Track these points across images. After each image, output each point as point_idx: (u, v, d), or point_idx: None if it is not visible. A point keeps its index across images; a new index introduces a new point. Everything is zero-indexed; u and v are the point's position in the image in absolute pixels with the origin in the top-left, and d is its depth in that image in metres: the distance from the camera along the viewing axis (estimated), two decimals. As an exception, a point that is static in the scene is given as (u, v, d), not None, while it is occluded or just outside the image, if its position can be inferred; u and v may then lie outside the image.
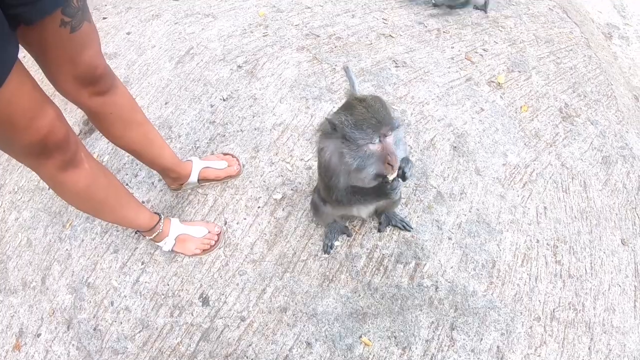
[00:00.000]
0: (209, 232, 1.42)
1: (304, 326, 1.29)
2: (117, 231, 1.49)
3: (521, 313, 1.32)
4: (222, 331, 1.29)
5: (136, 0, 2.39)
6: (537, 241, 1.47)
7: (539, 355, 1.26)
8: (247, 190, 1.57)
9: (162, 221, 1.35)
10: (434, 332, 1.28)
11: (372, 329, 1.29)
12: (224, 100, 1.84)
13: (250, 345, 1.27)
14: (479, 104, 1.85)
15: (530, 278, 1.39)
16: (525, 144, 1.72)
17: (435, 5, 2.28)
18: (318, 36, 2.11)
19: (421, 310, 1.31)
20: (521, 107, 1.85)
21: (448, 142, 1.70)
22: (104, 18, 2.29)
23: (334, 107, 1.78)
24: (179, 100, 1.86)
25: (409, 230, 1.45)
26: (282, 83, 1.89)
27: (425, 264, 1.40)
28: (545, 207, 1.55)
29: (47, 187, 1.58)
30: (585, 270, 1.42)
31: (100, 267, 1.43)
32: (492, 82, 1.94)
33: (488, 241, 1.45)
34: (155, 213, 1.35)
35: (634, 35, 2.63)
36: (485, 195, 1.56)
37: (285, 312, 1.32)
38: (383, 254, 1.42)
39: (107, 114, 1.12)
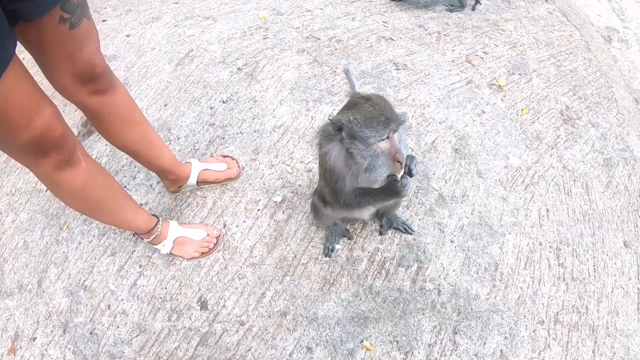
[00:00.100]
0: (207, 235, 1.41)
1: (304, 331, 1.28)
2: (115, 234, 1.48)
3: (524, 316, 1.30)
4: (220, 336, 1.28)
5: (136, 3, 2.39)
6: (540, 244, 1.46)
7: (543, 359, 1.24)
8: (247, 192, 1.56)
9: (160, 223, 1.33)
10: (436, 336, 1.26)
11: (374, 333, 1.27)
12: (223, 102, 1.84)
13: (249, 350, 1.25)
14: (480, 106, 1.85)
15: (533, 281, 1.38)
16: (526, 146, 1.72)
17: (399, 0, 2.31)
18: (318, 39, 2.11)
19: (423, 314, 1.30)
20: (522, 110, 1.85)
21: (449, 144, 1.70)
22: (104, 20, 2.29)
23: (334, 109, 1.77)
24: (178, 102, 1.85)
25: (411, 233, 1.44)
26: (282, 85, 1.88)
27: (428, 267, 1.39)
28: (547, 210, 1.55)
29: (45, 189, 1.58)
30: (589, 272, 1.41)
31: (98, 270, 1.41)
32: (493, 84, 1.94)
33: (490, 244, 1.44)
34: (154, 215, 1.34)
35: (633, 39, 2.64)
36: (487, 197, 1.56)
37: (285, 317, 1.30)
38: (384, 257, 1.40)
39: (106, 113, 1.11)
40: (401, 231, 1.44)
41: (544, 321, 1.30)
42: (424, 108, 1.82)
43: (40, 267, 1.44)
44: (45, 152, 0.89)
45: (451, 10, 2.29)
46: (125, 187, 1.59)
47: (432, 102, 1.84)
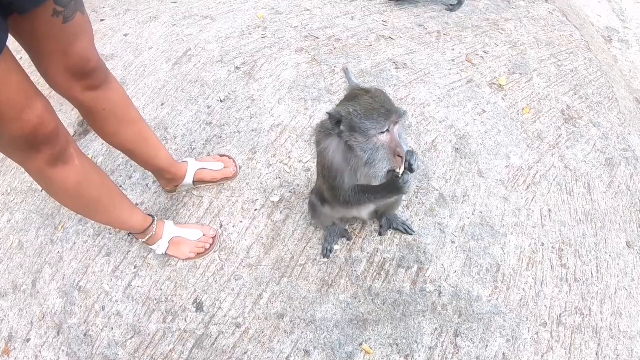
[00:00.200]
0: (204, 235, 1.39)
1: (301, 333, 1.26)
2: (110, 234, 1.46)
3: (527, 318, 1.29)
4: (216, 338, 1.26)
5: (134, 3, 2.39)
6: (542, 244, 1.44)
7: (546, 363, 1.22)
8: (244, 192, 1.54)
9: (155, 223, 1.32)
10: (437, 339, 1.25)
11: (373, 336, 1.25)
12: (221, 101, 1.82)
13: (245, 353, 1.23)
14: (480, 105, 1.83)
15: (535, 282, 1.36)
16: (528, 146, 1.71)
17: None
18: (317, 38, 2.10)
19: (424, 316, 1.28)
20: (523, 109, 1.84)
21: (450, 143, 1.68)
22: (102, 20, 2.29)
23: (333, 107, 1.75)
24: (176, 101, 1.84)
25: (411, 234, 1.42)
26: (280, 84, 1.87)
27: (428, 269, 1.37)
28: (549, 210, 1.53)
29: (41, 189, 1.56)
30: (592, 273, 1.40)
31: (92, 270, 1.40)
32: (494, 84, 1.93)
33: (492, 245, 1.43)
34: (149, 215, 1.33)
35: (633, 39, 2.64)
36: (489, 197, 1.54)
37: (283, 319, 1.28)
38: (384, 258, 1.39)
39: (100, 109, 1.09)
40: (401, 232, 1.42)
41: (546, 323, 1.28)
42: (424, 107, 1.80)
43: (34, 267, 1.43)
44: (36, 146, 0.87)
45: (451, 10, 2.28)
46: (121, 186, 1.58)
47: (432, 101, 1.83)
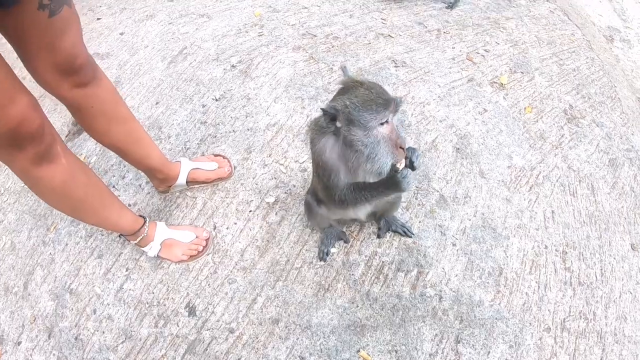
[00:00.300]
0: (196, 237, 1.37)
1: (297, 339, 1.23)
2: (102, 235, 1.44)
3: (530, 324, 1.26)
4: (209, 344, 1.23)
5: (131, 1, 2.38)
6: (546, 247, 1.42)
7: (550, 370, 1.19)
8: (239, 193, 1.52)
9: (147, 224, 1.29)
10: (437, 345, 1.22)
11: (371, 342, 1.22)
12: (216, 100, 1.79)
13: (239, 359, 1.21)
14: (481, 104, 1.81)
15: (539, 286, 1.33)
16: (530, 146, 1.68)
17: None
18: (315, 36, 2.07)
19: (424, 321, 1.25)
20: (525, 108, 1.81)
21: (450, 143, 1.66)
22: (98, 19, 2.28)
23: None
24: (170, 100, 1.81)
25: (411, 236, 1.39)
26: (277, 83, 1.84)
27: (428, 272, 1.34)
28: (552, 211, 1.50)
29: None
30: (596, 277, 1.38)
31: (84, 272, 1.38)
32: (495, 82, 1.90)
33: (494, 247, 1.40)
34: (140, 216, 1.30)
35: (635, 39, 2.62)
36: (491, 199, 1.52)
37: (278, 324, 1.26)
38: (383, 262, 1.36)
39: (89, 107, 1.08)
40: (400, 234, 1.39)
41: (550, 328, 1.26)
42: (423, 106, 1.78)
43: (26, 269, 1.42)
44: (20, 144, 0.85)
45: (450, 7, 2.26)
46: (113, 186, 1.56)
47: (432, 100, 1.80)
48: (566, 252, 1.41)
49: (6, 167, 1.61)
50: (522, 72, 1.96)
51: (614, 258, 1.42)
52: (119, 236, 1.40)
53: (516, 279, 1.34)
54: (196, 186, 1.51)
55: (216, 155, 1.56)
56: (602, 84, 1.99)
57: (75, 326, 1.28)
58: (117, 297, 1.32)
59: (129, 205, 1.50)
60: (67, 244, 1.44)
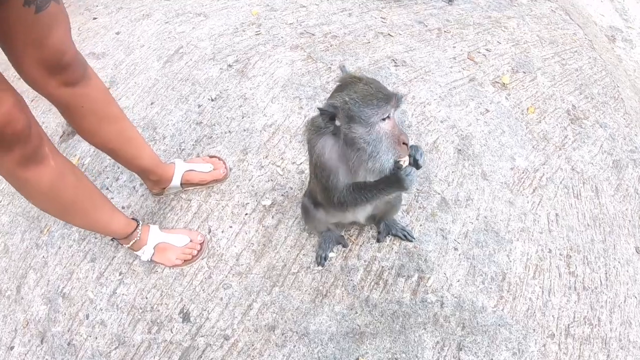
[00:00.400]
0: (191, 241, 1.34)
1: (294, 347, 1.20)
2: (95, 238, 1.42)
3: (534, 330, 1.24)
4: (203, 351, 1.20)
5: (127, 1, 2.36)
6: (550, 251, 1.39)
7: (555, 378, 1.17)
8: (234, 195, 1.49)
9: (139, 228, 1.27)
10: (439, 353, 1.19)
11: (371, 350, 1.20)
12: (212, 100, 1.76)
13: (234, 367, 1.18)
14: (483, 104, 1.78)
15: (543, 291, 1.31)
16: (533, 147, 1.66)
17: None
18: (313, 35, 2.04)
19: (425, 328, 1.23)
20: (528, 109, 1.79)
21: (452, 144, 1.63)
22: (94, 18, 2.26)
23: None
24: (166, 100, 1.78)
25: (411, 240, 1.37)
26: (274, 82, 1.81)
27: (429, 278, 1.32)
28: (556, 214, 1.48)
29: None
30: (600, 281, 1.35)
31: (77, 276, 1.36)
32: (497, 82, 1.88)
33: (497, 251, 1.38)
34: (133, 219, 1.28)
35: (637, 38, 2.60)
36: (493, 201, 1.49)
37: (274, 331, 1.23)
38: (382, 267, 1.33)
39: (78, 106, 1.05)
40: (400, 238, 1.37)
41: (554, 335, 1.23)
42: (424, 106, 1.75)
43: (19, 272, 1.40)
44: (5, 146, 0.83)
45: (449, 3, 2.24)
46: (107, 188, 1.54)
47: (433, 100, 1.77)
48: (570, 256, 1.38)
49: None
50: (524, 72, 1.94)
51: (619, 262, 1.40)
52: (112, 240, 1.37)
53: (520, 284, 1.31)
54: (191, 188, 1.48)
55: (211, 157, 1.53)
56: (604, 84, 1.97)
57: (68, 331, 1.26)
58: (110, 302, 1.30)
59: (122, 207, 1.47)
60: (60, 247, 1.41)
